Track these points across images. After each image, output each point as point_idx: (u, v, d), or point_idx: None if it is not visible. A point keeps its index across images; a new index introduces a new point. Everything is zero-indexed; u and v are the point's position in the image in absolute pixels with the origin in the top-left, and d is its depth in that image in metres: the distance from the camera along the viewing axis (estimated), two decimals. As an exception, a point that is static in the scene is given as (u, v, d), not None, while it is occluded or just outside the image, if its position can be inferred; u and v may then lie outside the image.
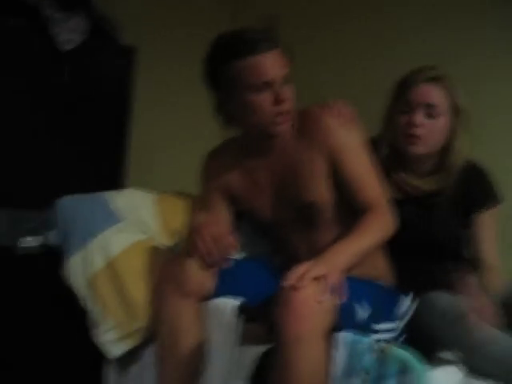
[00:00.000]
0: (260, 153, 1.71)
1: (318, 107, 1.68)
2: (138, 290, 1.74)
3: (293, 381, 1.30)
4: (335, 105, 1.68)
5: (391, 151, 1.85)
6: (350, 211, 1.64)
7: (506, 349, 1.51)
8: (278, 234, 1.80)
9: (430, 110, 1.77)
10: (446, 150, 1.81)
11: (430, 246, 1.83)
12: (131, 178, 2.56)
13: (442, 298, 1.63)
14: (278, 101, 1.56)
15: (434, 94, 1.77)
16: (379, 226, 1.60)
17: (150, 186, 2.20)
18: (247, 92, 1.57)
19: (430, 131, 1.77)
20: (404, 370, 1.32)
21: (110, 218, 1.88)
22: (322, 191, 1.66)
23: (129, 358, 1.80)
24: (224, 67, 1.59)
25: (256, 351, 1.51)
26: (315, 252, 1.51)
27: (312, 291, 1.33)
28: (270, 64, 1.56)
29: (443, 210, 1.82)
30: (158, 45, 2.71)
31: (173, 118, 2.82)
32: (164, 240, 1.94)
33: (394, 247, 1.67)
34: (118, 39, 2.49)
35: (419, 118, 1.77)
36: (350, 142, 1.65)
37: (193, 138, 2.87)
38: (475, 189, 1.83)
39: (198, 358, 1.60)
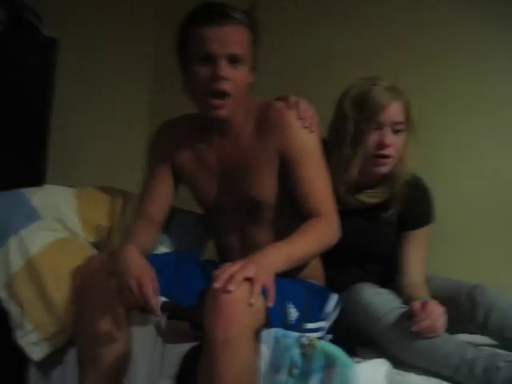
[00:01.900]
0: (214, 134, 1.67)
1: (283, 103, 1.64)
2: (59, 291, 1.68)
3: (219, 383, 1.27)
4: (300, 104, 1.64)
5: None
6: (294, 215, 1.62)
7: (430, 341, 1.56)
8: (217, 223, 1.77)
9: (397, 127, 1.75)
10: (397, 163, 1.81)
11: (367, 256, 1.87)
12: (52, 174, 2.48)
13: (363, 292, 1.67)
14: (213, 77, 1.52)
15: (399, 111, 1.75)
16: (322, 234, 1.57)
17: (72, 182, 2.14)
18: (193, 62, 1.54)
19: (396, 148, 1.77)
20: (330, 364, 1.32)
21: (30, 216, 1.81)
22: (268, 189, 1.64)
23: (51, 361, 1.74)
24: (185, 34, 1.56)
25: (181, 350, 1.49)
26: (250, 249, 1.49)
27: (240, 294, 1.29)
28: (221, 38, 1.51)
29: (385, 224, 1.84)
30: (80, 37, 2.64)
31: (95, 111, 2.75)
32: (86, 237, 1.89)
33: (332, 251, 1.64)
34: (39, 30, 2.40)
35: (391, 138, 1.75)
36: (309, 146, 1.62)
37: (115, 131, 2.82)
38: (416, 207, 1.85)
39: (120, 361, 1.56)
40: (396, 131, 1.76)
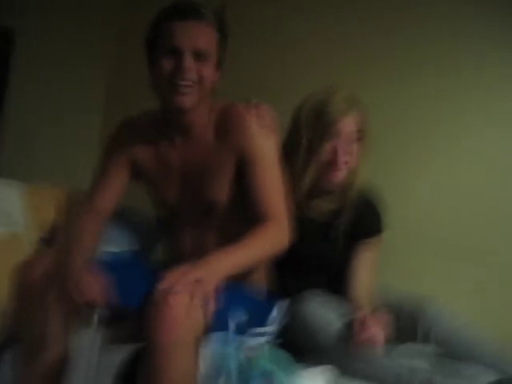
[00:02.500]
0: (175, 135, 1.66)
1: (242, 106, 1.64)
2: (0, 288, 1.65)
3: None
4: (260, 107, 1.64)
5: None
6: (248, 219, 1.61)
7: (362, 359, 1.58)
8: (171, 225, 1.75)
9: (350, 138, 1.78)
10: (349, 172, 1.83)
11: (317, 264, 1.87)
12: (2, 169, 2.43)
13: (310, 301, 1.68)
14: (178, 69, 1.52)
15: (354, 123, 1.78)
16: (272, 239, 1.57)
17: (22, 178, 2.10)
18: (159, 55, 1.54)
19: (350, 157, 1.79)
20: (270, 371, 1.33)
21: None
22: (224, 192, 1.64)
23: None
24: (154, 29, 1.57)
25: (125, 351, 1.48)
26: (201, 253, 1.47)
27: (186, 296, 1.28)
28: (187, 32, 1.53)
29: (337, 233, 1.85)
30: (36, 28, 2.59)
31: (49, 106, 2.71)
32: (33, 233, 1.86)
33: (283, 257, 1.64)
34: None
35: (343, 150, 1.77)
36: (266, 150, 1.62)
37: (69, 128, 2.78)
38: (366, 217, 1.87)
39: (61, 359, 1.52)
40: (350, 142, 1.78)
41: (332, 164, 1.78)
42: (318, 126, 1.77)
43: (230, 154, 1.61)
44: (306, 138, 1.79)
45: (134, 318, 1.52)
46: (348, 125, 1.77)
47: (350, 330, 1.58)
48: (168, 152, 1.69)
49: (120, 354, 1.49)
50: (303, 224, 1.76)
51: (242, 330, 1.49)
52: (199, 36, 1.54)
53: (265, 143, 1.62)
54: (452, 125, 2.26)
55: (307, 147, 1.78)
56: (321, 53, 2.50)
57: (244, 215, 1.63)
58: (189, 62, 1.53)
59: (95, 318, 1.48)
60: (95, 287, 1.44)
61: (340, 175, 1.80)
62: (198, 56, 1.54)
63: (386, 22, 2.39)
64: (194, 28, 1.54)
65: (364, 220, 1.86)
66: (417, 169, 2.31)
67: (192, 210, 1.69)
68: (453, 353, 1.66)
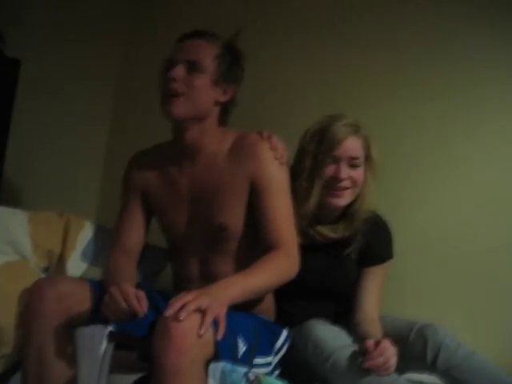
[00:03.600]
0: (184, 161, 1.69)
1: (257, 134, 1.68)
2: (5, 315, 1.64)
3: None
4: (273, 137, 1.68)
5: None
6: (257, 246, 1.62)
7: (371, 378, 1.56)
8: (180, 251, 1.76)
9: (353, 162, 1.79)
10: (356, 198, 1.83)
11: (325, 292, 1.87)
12: (6, 197, 2.44)
13: (314, 329, 1.67)
14: (167, 78, 1.59)
15: (356, 147, 1.79)
16: (281, 267, 1.57)
17: (26, 205, 2.11)
18: (161, 71, 1.65)
19: (352, 181, 1.80)
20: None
21: (-21, 237, 1.78)
22: (236, 217, 1.65)
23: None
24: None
25: (127, 380, 1.47)
26: (209, 279, 1.49)
27: (191, 324, 1.28)
28: (183, 47, 1.63)
29: (345, 260, 1.85)
30: (42, 57, 2.62)
31: (53, 135, 2.72)
32: (36, 262, 1.86)
33: (290, 285, 1.63)
34: (2, 50, 2.38)
35: (345, 171, 1.78)
36: (278, 178, 1.65)
37: (73, 156, 2.80)
38: (375, 244, 1.87)
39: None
40: (352, 166, 1.79)
41: (334, 188, 1.79)
42: (320, 149, 1.79)
43: (243, 180, 1.63)
44: (309, 162, 1.80)
45: (138, 347, 1.52)
46: (349, 149, 1.78)
47: (363, 355, 1.57)
48: (177, 177, 1.71)
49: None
50: (310, 251, 1.77)
51: (245, 359, 1.48)
52: (193, 49, 1.63)
53: (277, 170, 1.65)
54: (460, 145, 2.26)
55: (310, 172, 1.80)
56: (318, 76, 2.51)
57: (254, 242, 1.64)
58: (177, 70, 1.60)
59: (105, 342, 1.48)
60: (140, 298, 1.44)
61: (342, 200, 1.81)
62: (190, 67, 1.60)
63: (385, 41, 2.40)
64: (190, 44, 1.64)
65: (375, 246, 1.87)
66: (422, 194, 2.30)
67: (201, 235, 1.69)
68: (459, 380, 1.65)
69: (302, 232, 1.77)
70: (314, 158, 1.80)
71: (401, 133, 2.34)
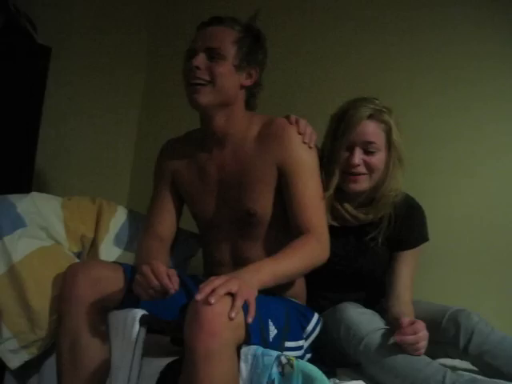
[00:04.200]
0: (213, 147, 1.70)
1: (284, 119, 1.68)
2: (40, 299, 1.67)
3: None
4: (300, 121, 1.68)
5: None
6: (287, 231, 1.62)
7: (405, 361, 1.56)
8: (209, 236, 1.77)
9: (368, 147, 1.75)
10: (381, 183, 1.80)
11: (356, 276, 1.85)
12: (39, 182, 2.48)
13: (346, 312, 1.67)
14: (191, 68, 1.59)
15: (372, 131, 1.75)
16: (311, 251, 1.57)
17: (59, 191, 2.14)
18: (184, 61, 1.66)
19: (368, 167, 1.77)
20: (309, 382, 1.33)
21: (15, 222, 1.79)
22: (265, 202, 1.65)
23: (29, 369, 1.73)
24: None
25: (160, 363, 1.48)
26: (239, 264, 1.50)
27: (221, 308, 1.28)
28: (202, 35, 1.63)
29: (376, 243, 1.83)
30: (73, 46, 2.65)
31: (84, 121, 2.75)
32: (69, 247, 1.89)
33: (321, 270, 1.63)
34: (34, 38, 2.40)
35: (358, 157, 1.75)
36: (307, 162, 1.65)
37: (104, 142, 2.82)
38: (408, 228, 1.84)
39: (100, 372, 1.55)
40: (368, 151, 1.77)
41: (349, 173, 1.77)
42: (337, 134, 1.78)
43: (271, 164, 1.63)
44: (328, 146, 1.80)
45: (170, 331, 1.54)
46: (364, 133, 1.75)
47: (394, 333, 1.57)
48: (206, 164, 1.72)
49: (157, 367, 1.49)
50: (341, 235, 1.77)
51: (275, 343, 1.49)
52: (212, 36, 1.62)
53: (305, 154, 1.65)
54: (490, 133, 2.23)
55: (329, 156, 1.79)
56: (351, 67, 2.50)
57: (284, 227, 1.64)
58: (199, 59, 1.60)
59: (137, 326, 1.50)
60: (171, 276, 1.45)
61: (358, 185, 1.78)
62: (211, 55, 1.60)
63: (410, 30, 2.39)
64: (209, 31, 1.63)
65: (408, 230, 1.84)
66: (451, 180, 2.27)
67: (231, 221, 1.70)
68: (491, 365, 1.63)
69: (333, 212, 1.77)
70: (332, 143, 1.79)
71: (427, 119, 2.31)
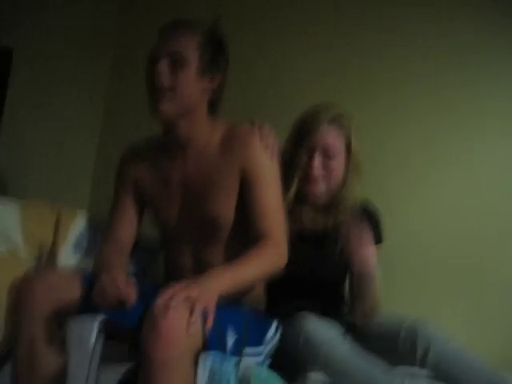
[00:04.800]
0: (176, 153, 1.69)
1: (248, 125, 1.68)
2: (-4, 305, 1.64)
3: None
4: (263, 129, 1.67)
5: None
6: (248, 236, 1.62)
7: (364, 370, 1.57)
8: (172, 242, 1.76)
9: (328, 152, 1.80)
10: (339, 187, 1.84)
11: (314, 281, 1.86)
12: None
13: (306, 320, 1.67)
14: (153, 75, 1.58)
15: (331, 136, 1.80)
16: (269, 258, 1.57)
17: (18, 195, 2.10)
18: (146, 66, 1.63)
19: (327, 171, 1.81)
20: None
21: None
22: (227, 208, 1.65)
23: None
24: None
25: (118, 370, 1.47)
26: (201, 270, 1.49)
27: (180, 314, 1.28)
28: (165, 41, 1.60)
29: (334, 247, 1.84)
30: (35, 47, 2.61)
31: (45, 124, 2.71)
32: (27, 252, 1.86)
33: (280, 277, 1.63)
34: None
35: (317, 161, 1.79)
36: (268, 169, 1.64)
37: (65, 145, 2.78)
38: None
39: (57, 380, 1.52)
40: (328, 155, 1.80)
41: (309, 177, 1.81)
42: (299, 137, 1.82)
43: (233, 171, 1.63)
44: (289, 151, 1.83)
45: (129, 336, 1.52)
46: (325, 137, 1.80)
47: None
48: (169, 170, 1.71)
49: (114, 374, 1.48)
50: (301, 243, 1.78)
51: (235, 349, 1.48)
52: (175, 41, 1.60)
53: (267, 163, 1.65)
54: (454, 138, 2.26)
55: (290, 160, 1.82)
56: (315, 72, 2.50)
57: (246, 233, 1.64)
58: (161, 65, 1.58)
59: (94, 333, 1.48)
60: (129, 287, 1.44)
61: (317, 188, 1.82)
62: (175, 60, 1.58)
63: (382, 39, 2.40)
64: (173, 37, 1.61)
65: None
66: (417, 183, 2.30)
67: (193, 226, 1.69)
68: (449, 374, 1.65)
69: (292, 215, 1.79)
70: (293, 147, 1.83)
71: (403, 118, 2.34)
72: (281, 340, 1.68)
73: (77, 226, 1.97)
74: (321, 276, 1.86)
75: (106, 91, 2.98)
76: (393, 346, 1.67)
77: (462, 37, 2.27)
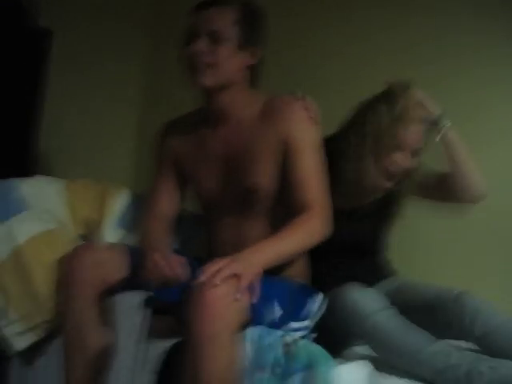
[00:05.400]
0: (217, 124, 1.69)
1: (288, 97, 1.67)
2: (44, 282, 1.68)
3: (204, 378, 1.27)
4: (305, 100, 1.67)
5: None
6: (288, 208, 1.61)
7: (410, 340, 1.57)
8: (213, 215, 1.77)
9: (416, 152, 1.81)
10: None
11: (353, 248, 1.89)
12: (43, 165, 2.48)
13: (351, 292, 1.67)
14: (194, 52, 1.58)
15: (420, 137, 1.81)
16: (311, 229, 1.56)
17: (62, 174, 2.14)
18: (185, 44, 1.62)
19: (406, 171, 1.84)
20: (311, 364, 1.32)
21: (17, 206, 1.80)
22: (268, 179, 1.64)
23: (35, 350, 1.74)
24: (187, 23, 1.64)
25: (164, 345, 1.49)
26: (242, 244, 1.49)
27: (225, 289, 1.29)
28: (202, 17, 1.60)
29: (374, 216, 1.89)
30: (75, 28, 2.63)
31: (86, 104, 2.74)
32: (73, 230, 1.89)
33: (324, 246, 1.63)
34: (35, 20, 2.39)
35: (410, 160, 1.81)
36: (308, 139, 1.63)
37: (107, 125, 2.82)
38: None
39: (104, 353, 1.56)
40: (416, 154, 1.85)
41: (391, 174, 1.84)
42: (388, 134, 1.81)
43: (275, 141, 1.62)
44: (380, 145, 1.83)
45: (173, 312, 1.54)
46: (414, 139, 1.81)
47: None
48: (209, 140, 1.71)
49: (159, 349, 1.50)
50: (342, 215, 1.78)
51: (280, 324, 1.49)
52: (212, 19, 1.60)
53: (308, 131, 1.64)
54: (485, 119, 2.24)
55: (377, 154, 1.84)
56: (356, 50, 2.49)
57: (288, 203, 1.63)
58: (201, 43, 1.58)
59: (141, 308, 1.51)
60: (179, 264, 1.48)
61: (390, 184, 1.86)
62: (213, 37, 1.58)
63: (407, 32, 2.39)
64: (208, 13, 1.61)
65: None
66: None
67: (234, 198, 1.69)
68: (496, 347, 1.63)
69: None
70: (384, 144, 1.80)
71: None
72: (326, 313, 1.69)
73: (120, 202, 1.98)
74: (360, 242, 1.90)
75: (144, 69, 3.00)
76: (439, 316, 1.65)
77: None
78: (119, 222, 1.95)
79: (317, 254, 1.71)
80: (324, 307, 1.68)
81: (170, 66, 2.55)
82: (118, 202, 1.97)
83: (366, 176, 1.81)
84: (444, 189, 1.90)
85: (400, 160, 1.80)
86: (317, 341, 1.55)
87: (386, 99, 1.81)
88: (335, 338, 1.66)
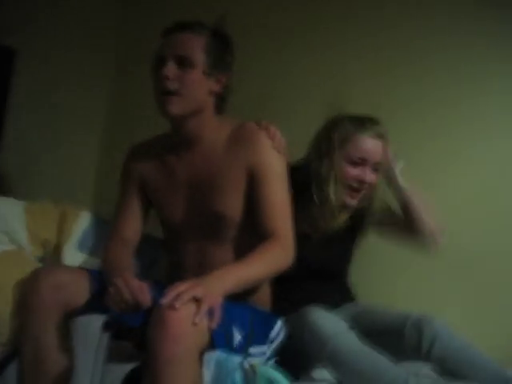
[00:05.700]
0: (183, 150, 1.69)
1: (255, 124, 1.68)
2: (1, 304, 1.65)
3: None
4: (270, 128, 1.67)
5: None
6: (254, 235, 1.61)
7: (369, 365, 1.58)
8: (177, 240, 1.75)
9: (376, 166, 1.87)
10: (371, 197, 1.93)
11: (320, 272, 1.91)
12: (3, 186, 2.44)
13: (312, 314, 1.68)
14: (161, 77, 1.58)
15: (380, 152, 1.87)
16: (273, 258, 1.56)
17: (23, 195, 2.11)
18: (152, 68, 1.62)
19: (370, 185, 1.89)
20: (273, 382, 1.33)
21: (-24, 227, 1.78)
22: (234, 206, 1.64)
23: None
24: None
25: (123, 369, 1.47)
26: (206, 269, 1.49)
27: (185, 313, 1.28)
28: (171, 42, 1.61)
29: (341, 240, 1.94)
30: (39, 48, 2.62)
31: (50, 125, 2.72)
32: (32, 251, 1.86)
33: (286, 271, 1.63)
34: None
35: (370, 175, 1.87)
36: (276, 167, 1.64)
37: (70, 146, 2.79)
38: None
39: (63, 378, 1.52)
40: (375, 169, 1.89)
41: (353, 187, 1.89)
42: (340, 146, 1.88)
43: (241, 167, 1.63)
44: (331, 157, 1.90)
45: (134, 336, 1.53)
46: (373, 153, 1.87)
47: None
48: (176, 166, 1.71)
49: (120, 373, 1.49)
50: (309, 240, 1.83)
51: (240, 349, 1.48)
52: (181, 43, 1.60)
53: (275, 159, 1.65)
54: (456, 134, 2.28)
55: (331, 167, 1.90)
56: (318, 68, 2.52)
57: (252, 231, 1.64)
58: (169, 68, 1.58)
59: (100, 332, 1.49)
60: (142, 290, 1.45)
61: (355, 200, 1.91)
62: (181, 62, 1.59)
63: (387, 37, 2.42)
64: (178, 38, 1.61)
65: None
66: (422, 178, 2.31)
67: (199, 224, 1.69)
68: (453, 370, 1.66)
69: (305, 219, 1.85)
70: (334, 155, 1.87)
71: (406, 116, 2.35)
72: (287, 336, 1.69)
73: (81, 225, 1.97)
74: (327, 266, 1.93)
75: (109, 90, 2.99)
76: (398, 340, 1.68)
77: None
78: (79, 245, 1.94)
79: (284, 278, 1.72)
80: (284, 332, 1.69)
81: (134, 86, 2.56)
82: (78, 225, 1.96)
83: (329, 195, 1.85)
84: (398, 230, 1.96)
85: (361, 174, 1.86)
86: (279, 364, 1.56)
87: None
88: (297, 360, 1.67)
